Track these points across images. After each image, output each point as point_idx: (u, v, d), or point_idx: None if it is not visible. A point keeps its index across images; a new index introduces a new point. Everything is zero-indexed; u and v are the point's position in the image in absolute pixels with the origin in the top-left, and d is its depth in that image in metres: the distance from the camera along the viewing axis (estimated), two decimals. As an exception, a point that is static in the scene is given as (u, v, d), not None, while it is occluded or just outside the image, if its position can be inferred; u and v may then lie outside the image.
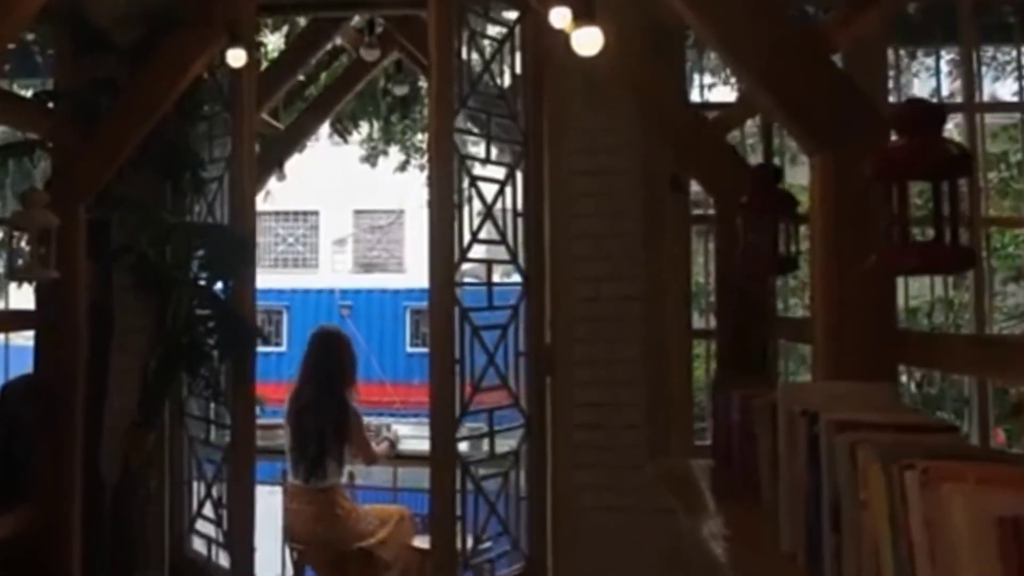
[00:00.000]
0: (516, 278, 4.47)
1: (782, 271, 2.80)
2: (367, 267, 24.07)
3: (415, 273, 18.48)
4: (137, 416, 4.40)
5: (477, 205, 4.39)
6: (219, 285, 4.56)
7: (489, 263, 4.33)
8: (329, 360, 5.40)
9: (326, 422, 5.25)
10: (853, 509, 1.66)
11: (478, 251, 4.30)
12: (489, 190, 4.43)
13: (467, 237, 4.21)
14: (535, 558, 4.41)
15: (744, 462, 2.55)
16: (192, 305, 4.48)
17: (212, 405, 4.74)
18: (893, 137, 1.84)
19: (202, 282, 4.58)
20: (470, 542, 4.17)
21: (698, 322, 4.72)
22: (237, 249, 4.41)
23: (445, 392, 3.98)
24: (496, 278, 4.41)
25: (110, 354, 4.42)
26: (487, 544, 4.46)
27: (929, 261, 1.71)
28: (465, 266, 4.28)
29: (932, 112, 1.72)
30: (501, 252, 4.41)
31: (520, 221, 4.46)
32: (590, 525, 4.43)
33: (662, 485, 2.86)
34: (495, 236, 4.41)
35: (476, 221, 4.33)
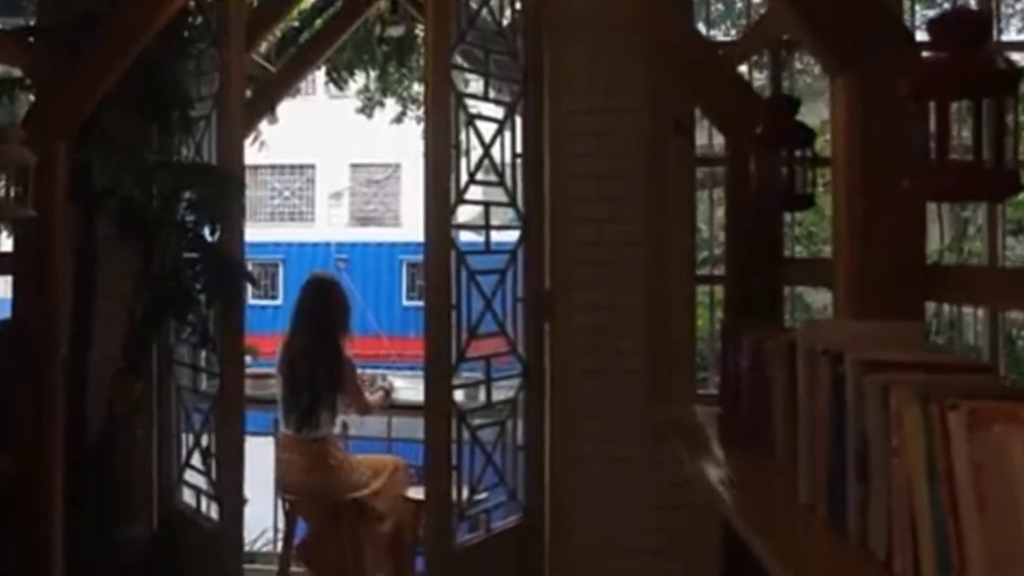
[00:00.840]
0: (514, 220, 4.32)
1: (797, 208, 2.66)
2: (363, 221, 24.07)
3: (411, 227, 18.46)
4: (122, 363, 4.26)
5: (475, 145, 4.22)
6: (207, 228, 4.41)
7: (487, 205, 4.17)
8: (322, 307, 5.27)
9: (319, 370, 5.13)
10: (883, 456, 1.52)
11: (475, 193, 4.15)
12: (487, 130, 4.27)
13: (464, 178, 4.06)
14: (532, 509, 4.31)
15: (755, 409, 2.42)
16: (179, 249, 4.34)
17: (204, 353, 4.60)
18: (925, 54, 1.69)
19: (190, 225, 4.42)
20: (466, 493, 4.05)
21: (701, 270, 4.59)
22: (226, 189, 4.26)
23: (440, 338, 3.84)
24: (494, 223, 4.26)
25: (95, 299, 4.28)
26: (483, 495, 4.37)
27: (968, 184, 1.55)
28: (462, 214, 4.13)
29: (977, 22, 1.56)
30: (499, 194, 4.25)
31: (519, 162, 4.30)
32: (589, 475, 4.33)
33: (666, 433, 2.73)
34: (493, 177, 4.25)
35: (474, 161, 4.17)
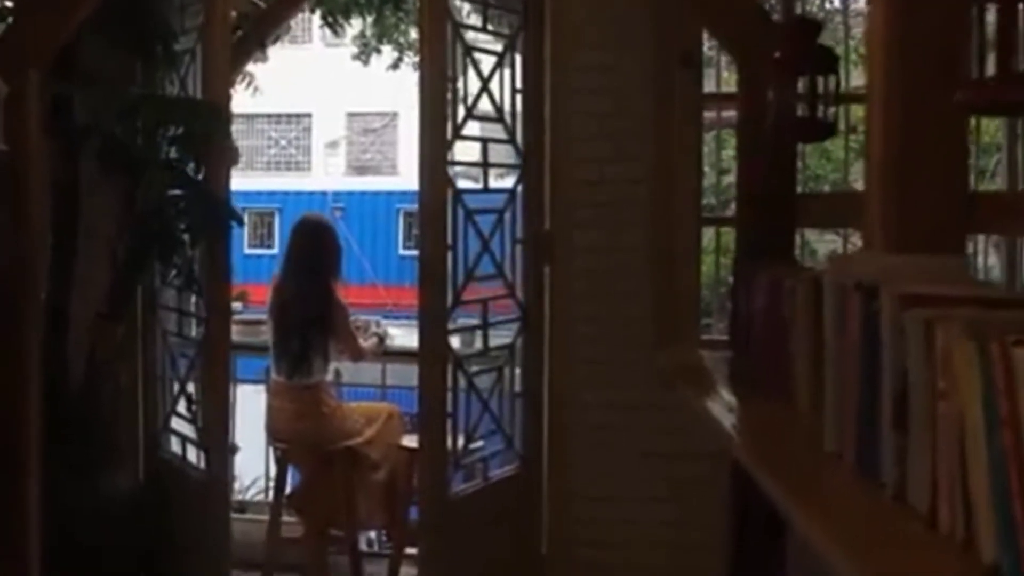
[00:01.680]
0: (513, 158, 4.14)
1: (819, 137, 2.49)
2: (360, 170, 24.09)
3: (409, 176, 18.34)
4: (104, 307, 4.11)
5: (473, 78, 4.03)
6: (193, 165, 4.23)
7: (484, 142, 3.99)
8: (314, 250, 5.11)
9: (310, 314, 4.97)
10: (926, 400, 1.36)
11: (473, 129, 3.96)
12: (486, 64, 4.08)
13: (461, 113, 3.87)
14: (530, 457, 4.17)
15: (770, 352, 2.26)
16: (164, 187, 4.16)
17: (193, 299, 4.44)
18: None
19: (175, 162, 4.25)
20: (461, 441, 3.91)
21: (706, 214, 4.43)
22: (212, 124, 4.07)
23: (436, 280, 3.67)
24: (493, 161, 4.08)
25: (77, 240, 4.12)
26: (479, 443, 4.23)
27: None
28: (459, 153, 3.95)
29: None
30: (498, 131, 4.06)
31: (518, 98, 4.10)
32: (588, 423, 4.20)
33: (672, 377, 2.58)
34: (491, 113, 4.06)
35: (471, 96, 3.98)
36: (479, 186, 4.07)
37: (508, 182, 4.21)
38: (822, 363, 1.83)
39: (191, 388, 4.21)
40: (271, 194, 21.10)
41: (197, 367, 4.13)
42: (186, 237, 4.11)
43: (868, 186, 1.76)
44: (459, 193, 3.77)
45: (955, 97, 1.40)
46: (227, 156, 4.07)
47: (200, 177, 4.16)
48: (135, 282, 4.21)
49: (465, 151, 4.11)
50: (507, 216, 4.06)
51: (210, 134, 4.04)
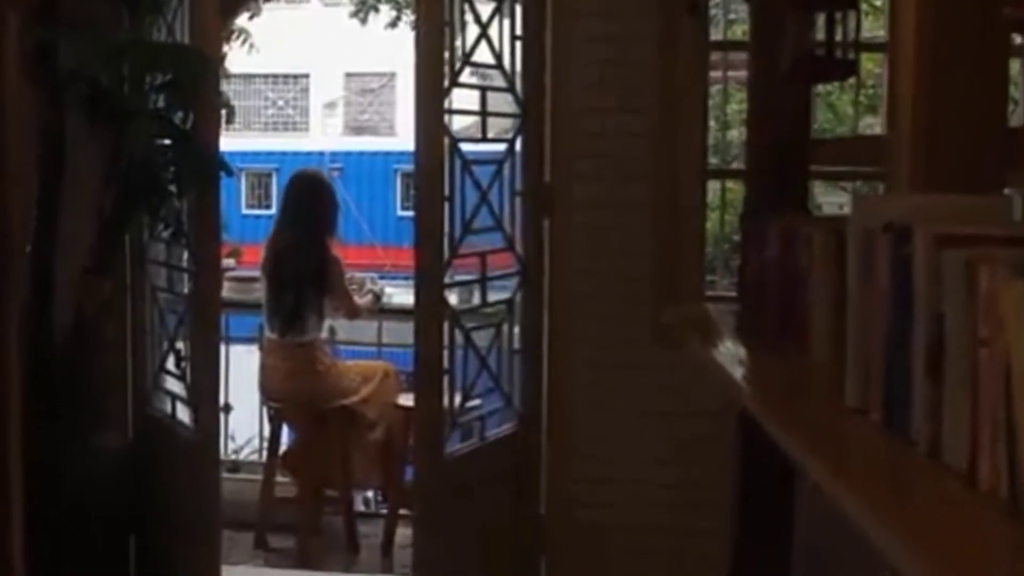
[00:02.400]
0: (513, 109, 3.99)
1: (838, 76, 2.36)
2: (358, 130, 24.10)
3: (406, 136, 18.24)
4: (91, 261, 3.98)
5: (471, 25, 3.87)
6: (181, 114, 4.08)
7: (483, 89, 3.84)
8: (309, 203, 5.01)
9: (305, 269, 4.87)
10: (965, 348, 1.23)
11: (471, 77, 3.81)
12: (484, 10, 3.93)
13: (459, 58, 3.72)
14: (529, 416, 4.06)
15: (783, 305, 2.14)
16: (151, 137, 4.03)
17: (185, 255, 4.31)
18: None
19: (163, 111, 4.10)
20: (458, 399, 3.79)
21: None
22: (201, 71, 3.92)
23: (432, 232, 3.54)
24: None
25: (61, 193, 3.98)
26: (477, 401, 4.11)
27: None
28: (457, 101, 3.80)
29: None
30: (497, 79, 3.92)
31: (518, 45, 3.95)
32: (589, 381, 4.10)
33: (679, 331, 2.46)
34: (490, 60, 3.91)
35: (469, 42, 3.82)
36: (477, 135, 3.93)
37: (507, 133, 4.07)
38: (843, 314, 1.71)
39: (180, 345, 4.09)
40: (268, 154, 21.07)
41: (187, 323, 4.01)
42: (174, 188, 3.97)
43: (892, 119, 1.63)
44: (456, 142, 3.63)
45: (1002, 13, 1.27)
46: (217, 104, 3.93)
47: (189, 127, 4.02)
48: (122, 235, 4.07)
49: (463, 101, 3.97)
50: (507, 168, 3.92)
51: (199, 82, 3.90)
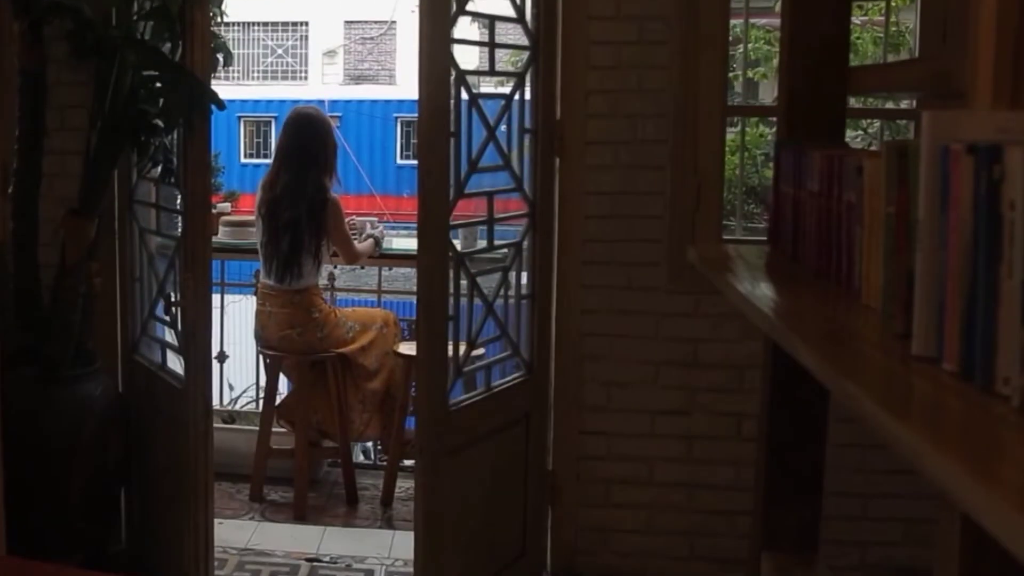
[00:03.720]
0: (523, 41, 3.76)
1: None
2: (357, 79, 24.03)
3: (407, 85, 18.23)
4: (77, 203, 3.77)
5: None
6: (169, 44, 3.85)
7: (492, 18, 3.60)
8: (305, 142, 4.78)
9: (301, 212, 4.66)
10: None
11: (479, 5, 3.57)
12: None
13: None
14: (536, 365, 3.87)
15: (824, 243, 1.93)
16: (139, 70, 3.79)
17: (178, 196, 4.09)
18: None
19: (149, 41, 3.86)
20: (463, 348, 3.59)
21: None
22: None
23: (436, 171, 3.32)
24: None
25: (44, 132, 3.77)
26: (482, 350, 3.93)
27: None
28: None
29: None
30: (506, 8, 3.68)
31: (528, -29, 3.72)
32: (600, 328, 3.92)
33: (711, 268, 2.26)
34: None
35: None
36: (484, 67, 3.69)
37: (517, 66, 3.85)
38: (902, 252, 1.51)
39: (170, 290, 3.89)
40: (268, 103, 20.96)
41: (177, 267, 3.80)
42: (158, 121, 3.74)
43: (975, 21, 1.41)
44: (462, 74, 3.40)
45: None
46: (207, 32, 3.68)
47: (178, 58, 3.78)
48: (108, 174, 3.86)
49: (469, 32, 3.74)
50: (515, 104, 3.69)
51: (188, 7, 3.65)
